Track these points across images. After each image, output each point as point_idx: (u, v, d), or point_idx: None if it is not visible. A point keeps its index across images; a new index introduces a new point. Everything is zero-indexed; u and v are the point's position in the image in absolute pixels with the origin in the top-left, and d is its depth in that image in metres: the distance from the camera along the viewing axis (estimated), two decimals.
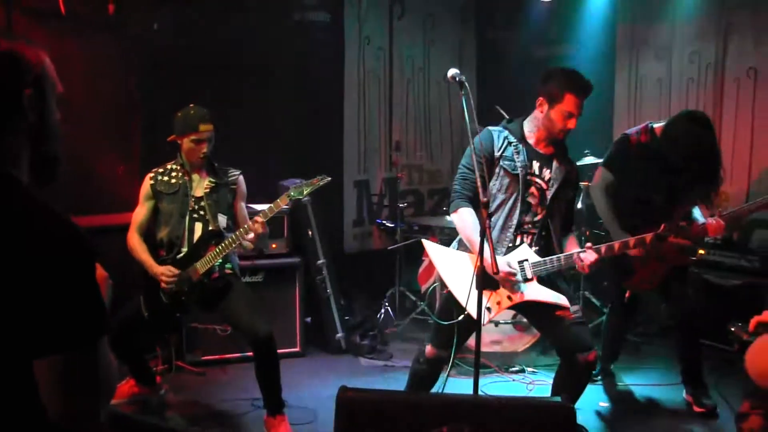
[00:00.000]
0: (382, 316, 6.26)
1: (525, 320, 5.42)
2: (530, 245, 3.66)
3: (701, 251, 4.80)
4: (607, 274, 5.25)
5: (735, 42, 6.09)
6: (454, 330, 3.54)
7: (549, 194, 3.68)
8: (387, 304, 6.36)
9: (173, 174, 4.26)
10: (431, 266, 6.06)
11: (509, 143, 3.65)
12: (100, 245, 4.80)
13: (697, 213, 4.45)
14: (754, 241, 5.68)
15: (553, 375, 3.98)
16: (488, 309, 3.50)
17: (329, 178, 4.04)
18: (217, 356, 5.26)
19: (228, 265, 4.25)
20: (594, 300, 6.15)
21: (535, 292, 3.58)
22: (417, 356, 3.90)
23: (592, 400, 4.66)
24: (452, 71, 3.35)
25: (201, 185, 4.26)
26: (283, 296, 5.44)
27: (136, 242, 4.22)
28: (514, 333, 5.63)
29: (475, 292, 3.11)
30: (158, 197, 4.24)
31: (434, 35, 7.68)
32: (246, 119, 6.02)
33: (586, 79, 3.61)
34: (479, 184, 3.15)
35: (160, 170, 4.29)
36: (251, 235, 3.94)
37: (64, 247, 1.52)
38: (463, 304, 3.41)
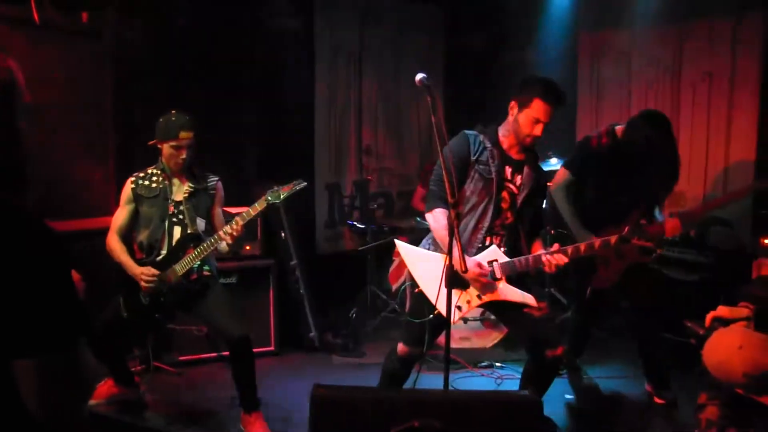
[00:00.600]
0: (354, 315, 6.27)
1: (493, 317, 5.46)
2: (499, 246, 3.69)
3: (659, 250, 4.85)
4: (571, 272, 5.31)
5: (691, 48, 6.19)
6: (425, 328, 3.56)
7: (519, 199, 3.71)
8: (359, 303, 6.36)
9: (154, 178, 4.24)
10: (401, 266, 6.08)
11: (485, 148, 3.67)
12: (77, 249, 4.77)
13: (656, 212, 4.51)
14: (710, 238, 5.75)
15: (520, 369, 4.01)
16: (459, 308, 3.53)
17: (305, 183, 4.02)
18: (194, 356, 5.24)
19: (206, 267, 4.24)
20: (560, 297, 6.21)
21: (504, 291, 3.60)
22: (389, 354, 3.91)
23: (558, 393, 4.70)
24: (420, 76, 3.35)
25: (181, 190, 4.24)
26: (258, 297, 5.43)
27: (116, 244, 4.19)
28: (482, 329, 5.67)
29: (444, 291, 3.12)
30: (138, 201, 4.22)
31: (403, 41, 7.70)
32: (219, 124, 5.98)
33: (560, 90, 3.62)
34: (447, 185, 3.17)
35: (141, 174, 4.26)
36: (229, 239, 3.94)
37: (40, 251, 1.51)
38: (434, 303, 3.43)
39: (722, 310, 3.10)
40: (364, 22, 7.38)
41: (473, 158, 3.65)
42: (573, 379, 5.01)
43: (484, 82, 7.28)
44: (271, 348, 5.48)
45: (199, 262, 4.11)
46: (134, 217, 4.25)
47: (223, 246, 4.02)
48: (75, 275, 3.52)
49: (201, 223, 4.21)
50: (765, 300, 3.12)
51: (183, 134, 4.10)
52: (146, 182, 4.23)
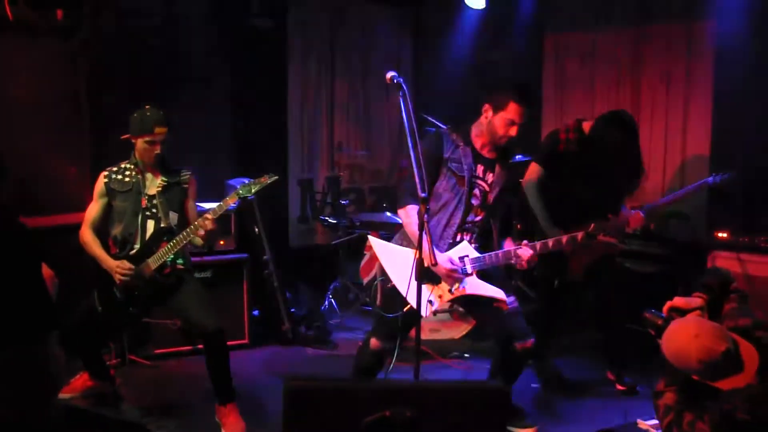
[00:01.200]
0: (327, 307, 6.25)
1: (461, 309, 5.48)
2: (470, 242, 3.70)
3: (621, 245, 4.90)
4: (538, 264, 5.34)
5: (649, 49, 6.26)
6: (398, 323, 3.56)
7: (491, 197, 3.73)
8: (331, 296, 6.35)
9: (127, 173, 4.17)
10: (372, 260, 6.08)
11: (456, 146, 3.68)
12: (51, 245, 4.69)
13: (622, 205, 4.56)
14: (669, 231, 5.83)
15: (488, 360, 4.03)
16: (430, 302, 3.54)
17: (276, 177, 3.99)
18: (169, 349, 5.19)
19: (180, 261, 4.19)
20: (525, 289, 6.24)
21: (475, 286, 3.62)
22: (361, 347, 3.91)
23: (525, 382, 4.73)
24: (390, 73, 3.36)
25: (154, 184, 4.18)
26: (232, 291, 5.40)
27: (89, 237, 4.12)
28: (451, 321, 5.69)
29: (416, 285, 3.12)
30: (112, 195, 4.15)
31: (374, 40, 7.69)
32: (192, 120, 5.91)
33: (532, 92, 3.68)
34: (417, 180, 3.17)
35: (114, 169, 4.19)
36: (201, 232, 3.90)
37: (9, 245, 1.48)
38: (406, 298, 3.43)
39: (678, 301, 3.13)
40: (334, 21, 7.36)
41: (445, 156, 3.66)
42: (539, 368, 5.05)
43: (452, 81, 7.28)
44: (245, 341, 5.44)
45: (172, 256, 4.06)
46: (107, 212, 4.18)
47: (198, 240, 3.97)
48: (47, 271, 3.46)
49: (174, 217, 4.15)
50: (716, 290, 3.17)
51: (158, 129, 4.04)
52: (119, 176, 4.16)
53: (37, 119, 5.08)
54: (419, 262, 3.05)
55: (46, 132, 5.22)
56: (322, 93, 7.36)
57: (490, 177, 3.74)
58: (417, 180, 3.18)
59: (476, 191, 3.71)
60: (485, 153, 3.74)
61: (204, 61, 6.10)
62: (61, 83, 5.36)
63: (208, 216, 3.88)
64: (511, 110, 3.58)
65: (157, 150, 4.07)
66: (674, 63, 6.09)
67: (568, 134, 4.50)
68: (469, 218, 3.72)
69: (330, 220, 6.76)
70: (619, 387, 4.70)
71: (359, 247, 6.41)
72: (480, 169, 3.72)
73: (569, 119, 4.71)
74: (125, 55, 5.58)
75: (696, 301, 3.12)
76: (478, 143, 3.74)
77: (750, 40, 5.41)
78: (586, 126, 4.47)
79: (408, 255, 3.61)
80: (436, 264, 3.24)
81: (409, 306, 3.49)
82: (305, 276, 6.64)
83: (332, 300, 6.33)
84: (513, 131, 3.62)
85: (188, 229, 3.95)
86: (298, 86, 7.13)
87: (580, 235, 3.73)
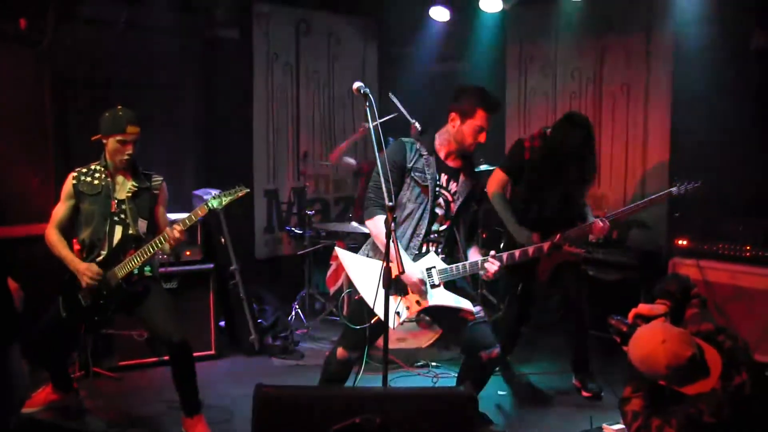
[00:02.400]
0: (293, 318, 6.23)
1: (428, 318, 5.51)
2: (437, 253, 3.72)
3: (581, 251, 4.97)
4: (501, 270, 5.41)
5: (609, 61, 6.38)
6: (364, 333, 3.57)
7: (455, 207, 3.73)
8: (297, 306, 6.34)
9: (96, 175, 4.07)
10: (339, 270, 6.08)
11: (420, 155, 3.69)
12: (15, 256, 4.61)
13: (588, 213, 4.64)
14: (630, 239, 5.94)
15: (455, 368, 4.04)
16: (398, 313, 3.54)
17: (248, 190, 3.94)
18: (134, 361, 5.11)
19: (147, 269, 4.12)
20: (491, 298, 6.30)
21: (442, 297, 3.63)
22: (328, 358, 3.90)
23: (491, 389, 4.76)
24: (357, 84, 3.38)
25: (124, 188, 4.08)
26: (198, 301, 5.34)
27: (55, 238, 4.02)
28: (417, 330, 5.72)
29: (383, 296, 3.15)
30: (80, 197, 4.04)
31: (338, 51, 7.71)
32: (158, 131, 5.88)
33: (496, 97, 3.71)
34: (384, 189, 3.18)
35: (84, 170, 4.09)
36: (169, 243, 3.86)
37: None
38: (374, 309, 3.45)
39: (642, 308, 3.19)
40: (299, 32, 7.37)
41: (409, 165, 3.67)
42: (505, 375, 5.10)
43: (418, 92, 7.32)
44: (212, 351, 5.40)
45: (140, 265, 4.01)
46: (74, 213, 4.08)
47: (166, 247, 3.92)
48: (11, 283, 3.40)
49: (143, 225, 4.08)
50: (677, 296, 3.24)
51: (130, 128, 3.96)
52: (88, 179, 4.06)
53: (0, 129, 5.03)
54: (386, 271, 3.07)
55: (9, 141, 5.16)
56: (287, 103, 7.36)
57: (453, 187, 3.74)
58: (384, 190, 3.20)
59: (440, 201, 3.72)
60: (449, 162, 3.75)
61: (169, 71, 6.07)
62: (26, 92, 5.29)
63: (177, 227, 3.84)
64: (479, 117, 3.60)
65: (129, 150, 3.98)
66: (633, 73, 6.21)
67: (533, 142, 4.58)
68: (434, 228, 3.73)
69: (296, 231, 6.76)
70: (585, 393, 4.76)
71: (325, 257, 6.41)
72: (444, 178, 3.73)
73: (533, 129, 4.81)
74: (91, 65, 5.53)
75: (659, 308, 3.18)
76: (442, 152, 3.75)
77: (708, 50, 5.54)
78: (550, 133, 4.56)
79: (375, 266, 3.59)
80: (403, 272, 3.25)
81: (376, 318, 3.49)
82: (271, 286, 6.61)
83: (298, 310, 6.32)
84: (482, 138, 3.64)
85: (157, 239, 3.90)
86: (263, 96, 7.12)
87: (546, 245, 3.79)
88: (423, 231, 3.68)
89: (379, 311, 3.37)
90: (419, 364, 5.33)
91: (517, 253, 3.76)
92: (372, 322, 3.52)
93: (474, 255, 3.78)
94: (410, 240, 3.68)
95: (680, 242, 5.34)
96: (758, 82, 5.33)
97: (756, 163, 5.27)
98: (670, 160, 5.98)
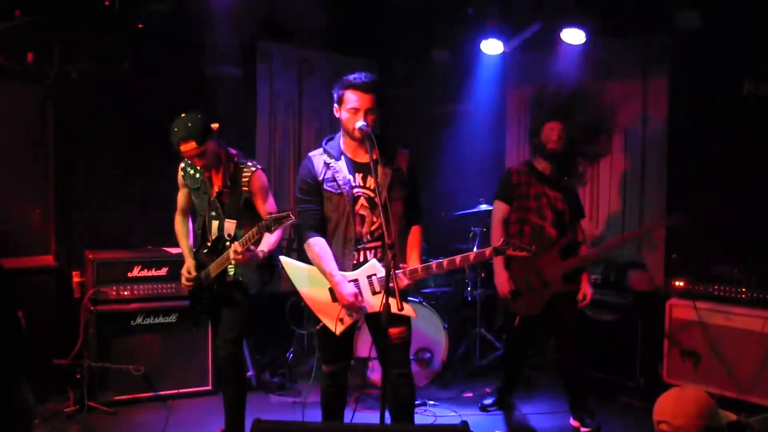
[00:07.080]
0: (292, 354, 6.21)
1: (426, 357, 5.52)
2: (379, 260, 3.65)
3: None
4: (497, 300, 5.47)
5: (609, 101, 6.45)
6: (336, 342, 3.64)
7: (380, 201, 3.46)
8: (296, 343, 6.31)
9: (199, 168, 4.08)
10: None
11: (327, 165, 3.65)
12: (16, 288, 4.61)
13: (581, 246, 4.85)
14: (627, 280, 5.97)
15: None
16: (341, 320, 3.58)
17: (293, 217, 3.68)
18: (129, 396, 5.10)
19: (232, 272, 4.10)
20: (489, 336, 6.28)
21: (375, 306, 3.56)
22: (322, 384, 3.88)
23: (490, 428, 4.76)
24: (360, 124, 3.45)
25: (216, 185, 4.08)
26: (196, 336, 5.34)
27: (178, 227, 4.26)
28: (414, 369, 5.68)
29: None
30: (188, 187, 4.18)
31: None
32: (159, 169, 5.91)
33: (363, 74, 3.63)
34: (384, 228, 3.23)
35: (189, 161, 4.07)
36: (239, 257, 3.76)
37: None
38: (318, 317, 3.62)
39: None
40: (302, 71, 7.46)
41: (320, 178, 3.64)
42: (505, 415, 5.09)
43: (418, 133, 7.39)
44: (209, 387, 5.38)
45: (230, 266, 4.04)
46: (190, 199, 4.22)
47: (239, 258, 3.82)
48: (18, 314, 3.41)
49: (229, 226, 4.00)
50: None
51: (183, 147, 3.85)
52: (191, 171, 4.13)
53: (2, 161, 5.07)
54: (386, 307, 3.11)
55: (11, 174, 5.21)
56: (289, 139, 7.42)
57: (371, 182, 3.64)
58: (384, 229, 3.27)
59: (362, 201, 3.65)
60: (359, 159, 3.68)
61: (172, 109, 6.12)
62: (29, 126, 5.36)
63: (236, 247, 3.73)
64: (350, 98, 3.58)
65: (198, 164, 3.97)
66: (631, 117, 6.28)
67: (519, 168, 4.91)
68: (365, 229, 3.65)
69: None
70: (584, 430, 4.74)
71: None
72: (359, 177, 3.66)
73: None
74: (96, 101, 5.61)
75: None
76: (349, 151, 3.69)
77: (702, 92, 5.63)
78: (535, 162, 4.86)
79: (316, 273, 3.66)
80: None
81: (321, 324, 3.61)
82: (270, 322, 6.60)
83: (297, 346, 6.29)
84: (360, 119, 3.54)
85: (230, 251, 3.81)
86: (266, 133, 7.19)
87: (488, 251, 3.60)
88: (353, 236, 3.63)
89: (323, 317, 3.58)
90: (416, 402, 5.29)
91: (457, 258, 3.59)
92: (317, 328, 3.62)
93: (414, 259, 3.71)
94: (343, 249, 3.65)
95: (677, 283, 5.38)
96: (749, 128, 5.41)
97: (751, 205, 5.31)
98: (667, 202, 6.01)
